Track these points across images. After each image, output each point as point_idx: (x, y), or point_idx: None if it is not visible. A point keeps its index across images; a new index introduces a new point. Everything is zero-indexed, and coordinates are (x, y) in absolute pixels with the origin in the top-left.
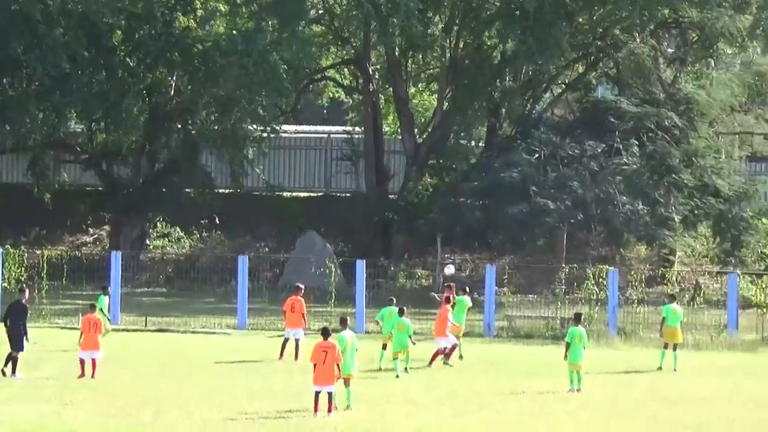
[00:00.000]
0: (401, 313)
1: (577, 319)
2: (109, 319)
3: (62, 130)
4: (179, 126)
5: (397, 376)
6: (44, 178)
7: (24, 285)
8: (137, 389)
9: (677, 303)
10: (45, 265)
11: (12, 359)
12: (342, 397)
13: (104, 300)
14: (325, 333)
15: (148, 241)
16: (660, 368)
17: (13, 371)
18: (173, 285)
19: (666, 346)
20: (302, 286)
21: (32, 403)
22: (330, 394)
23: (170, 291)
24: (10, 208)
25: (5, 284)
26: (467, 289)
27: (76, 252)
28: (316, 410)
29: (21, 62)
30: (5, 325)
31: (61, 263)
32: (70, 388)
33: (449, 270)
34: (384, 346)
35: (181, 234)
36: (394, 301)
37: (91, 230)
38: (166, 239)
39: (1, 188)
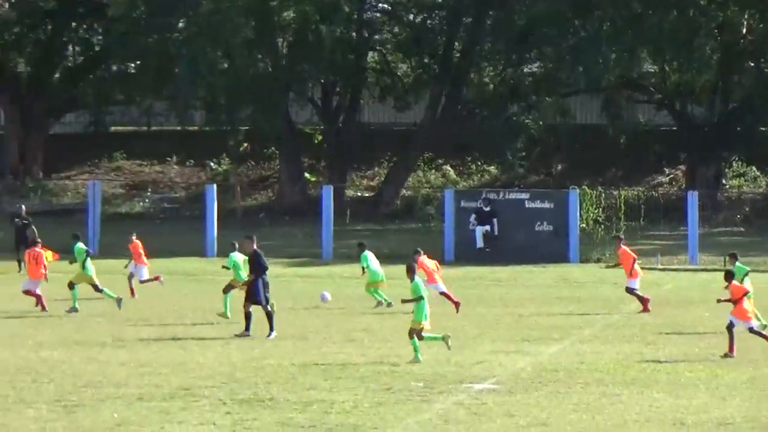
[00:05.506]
0: None
1: None
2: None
3: (635, 71)
4: (752, 64)
5: None
6: (618, 119)
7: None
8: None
9: None
10: (622, 205)
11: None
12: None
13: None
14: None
15: (724, 181)
16: None
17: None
18: (751, 224)
19: None
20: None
21: (614, 344)
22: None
23: (748, 230)
24: (585, 149)
25: (583, 224)
26: None
27: (653, 192)
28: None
29: (592, 4)
30: None
31: (637, 203)
32: (653, 327)
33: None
34: None
35: (757, 173)
36: None
37: (666, 170)
38: (742, 178)
39: (577, 129)
